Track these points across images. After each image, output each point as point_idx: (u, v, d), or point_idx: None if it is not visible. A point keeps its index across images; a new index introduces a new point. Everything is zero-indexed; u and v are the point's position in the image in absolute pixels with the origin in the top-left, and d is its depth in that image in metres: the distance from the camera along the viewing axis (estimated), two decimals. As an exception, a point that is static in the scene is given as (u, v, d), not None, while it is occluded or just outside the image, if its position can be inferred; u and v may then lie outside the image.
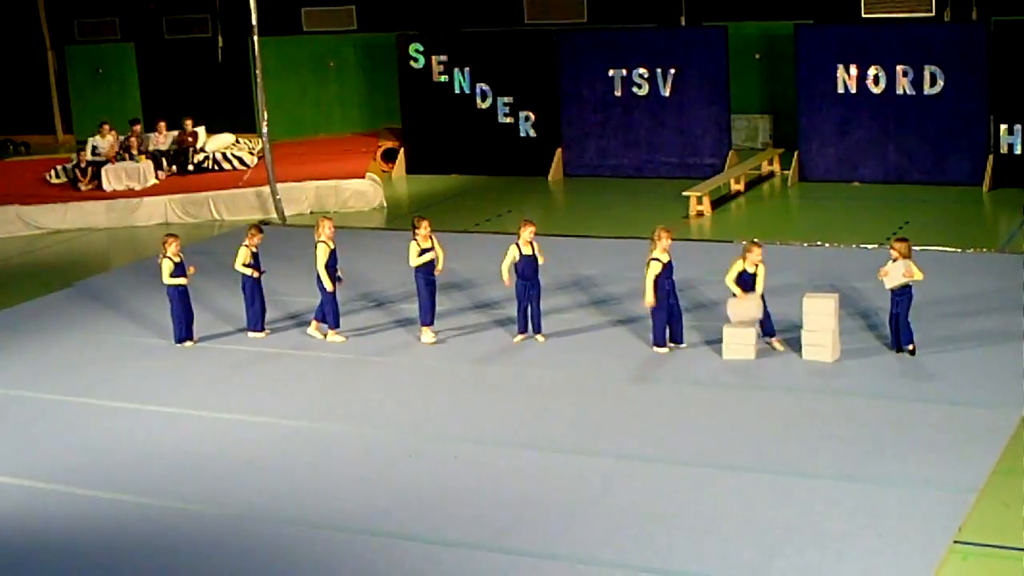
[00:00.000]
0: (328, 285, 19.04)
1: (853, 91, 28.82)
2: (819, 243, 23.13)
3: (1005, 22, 28.11)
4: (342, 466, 14.91)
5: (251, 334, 19.62)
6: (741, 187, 28.91)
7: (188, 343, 19.47)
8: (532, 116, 31.76)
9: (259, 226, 19.97)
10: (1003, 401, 15.66)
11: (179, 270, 19.25)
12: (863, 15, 30.76)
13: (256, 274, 19.38)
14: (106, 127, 31.23)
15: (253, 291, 19.48)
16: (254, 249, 19.38)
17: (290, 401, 17.05)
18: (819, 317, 17.44)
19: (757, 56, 32.62)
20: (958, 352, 17.54)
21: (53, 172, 30.69)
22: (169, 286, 19.27)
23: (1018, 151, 27.53)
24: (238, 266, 19.34)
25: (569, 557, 12.45)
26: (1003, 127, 27.65)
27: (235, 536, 13.36)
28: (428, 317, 19.03)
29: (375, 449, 15.38)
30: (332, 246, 19.11)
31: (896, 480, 13.69)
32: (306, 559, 12.76)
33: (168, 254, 19.21)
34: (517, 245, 18.71)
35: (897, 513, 12.96)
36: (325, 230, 19.10)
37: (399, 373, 18.00)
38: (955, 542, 12.33)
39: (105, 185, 29.52)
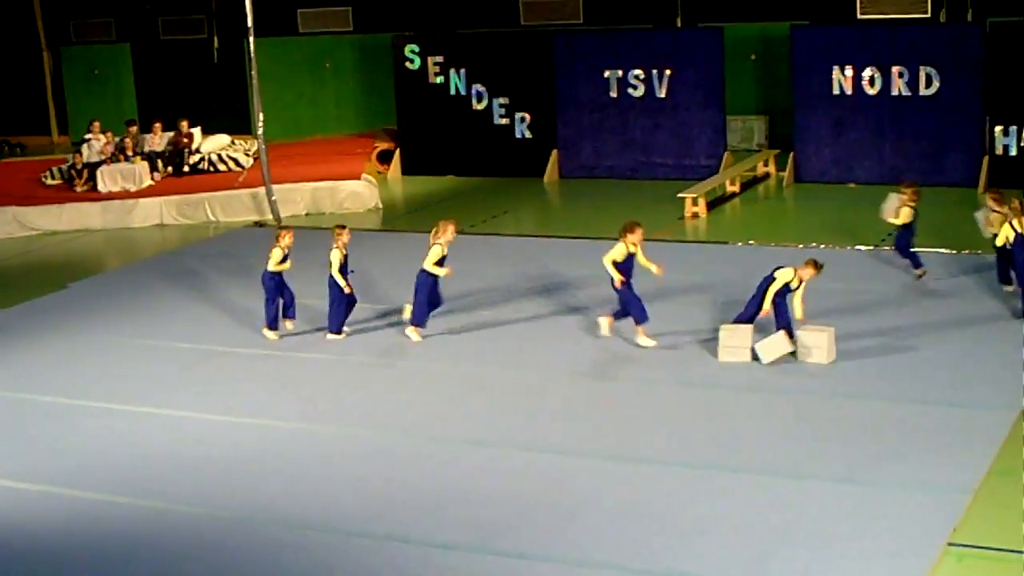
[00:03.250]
0: (443, 272, 18.87)
1: (849, 92, 28.85)
2: (815, 245, 23.12)
3: (1001, 23, 28.14)
4: (336, 468, 14.90)
5: (330, 336, 19.47)
6: (737, 188, 28.93)
7: (273, 334, 19.51)
8: (528, 117, 31.77)
9: (343, 225, 19.77)
10: (999, 402, 15.68)
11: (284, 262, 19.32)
12: (859, 16, 30.78)
13: (346, 287, 19.18)
14: (96, 126, 31.14)
15: (335, 291, 19.26)
16: (345, 252, 19.24)
17: (284, 403, 17.03)
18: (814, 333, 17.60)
19: (753, 57, 32.62)
20: (954, 353, 17.57)
21: (49, 173, 30.66)
22: (270, 273, 19.31)
23: (1013, 152, 27.60)
24: (335, 272, 19.08)
25: (564, 559, 12.45)
26: (999, 128, 27.72)
27: (230, 538, 13.34)
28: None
29: (370, 451, 15.36)
30: (445, 252, 18.91)
31: (892, 481, 13.70)
32: (301, 561, 12.75)
33: (281, 244, 19.24)
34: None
35: (893, 514, 12.96)
36: (448, 235, 18.94)
37: (393, 375, 18.00)
38: (950, 544, 12.33)
39: (100, 186, 29.47)
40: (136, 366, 18.82)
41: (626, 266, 18.15)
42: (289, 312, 19.65)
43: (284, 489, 14.39)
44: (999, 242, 19.50)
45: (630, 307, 18.29)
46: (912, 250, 20.98)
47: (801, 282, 17.66)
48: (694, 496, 13.70)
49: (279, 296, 19.48)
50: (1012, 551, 12.20)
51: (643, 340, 18.32)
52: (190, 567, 12.80)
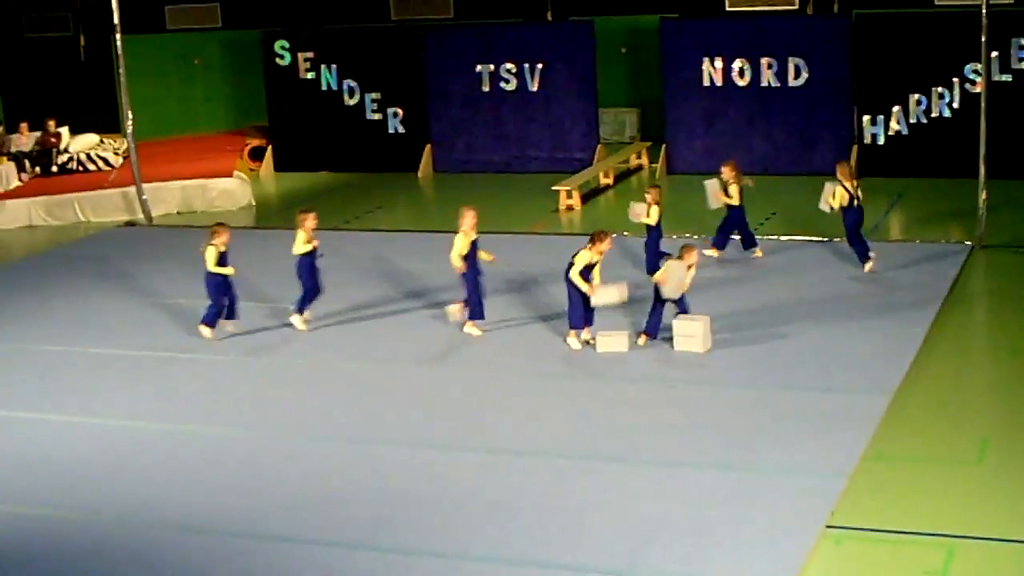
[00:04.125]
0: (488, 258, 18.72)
1: (719, 84, 29.15)
2: (687, 235, 23.28)
3: (866, 15, 28.57)
4: (216, 469, 14.72)
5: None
6: (610, 181, 29.10)
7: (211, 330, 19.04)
8: (400, 112, 31.69)
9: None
10: (871, 386, 15.89)
11: (223, 259, 18.80)
12: (728, 8, 31.10)
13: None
14: None
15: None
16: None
17: (159, 405, 16.79)
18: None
19: (623, 50, 32.80)
20: (825, 339, 17.79)
21: (-89, 176, 30.02)
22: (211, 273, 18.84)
23: (881, 141, 28.09)
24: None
25: (444, 553, 12.41)
26: (866, 118, 28.24)
27: (111, 542, 13.11)
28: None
29: (248, 451, 15.20)
30: (474, 236, 18.48)
31: (769, 467, 13.83)
32: (183, 564, 12.57)
33: (215, 242, 18.72)
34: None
35: (771, 500, 13.08)
36: (469, 220, 18.43)
37: (274, 373, 17.83)
38: (828, 527, 12.48)
39: (-35, 188, 28.95)
40: (5, 370, 18.45)
41: (585, 274, 17.79)
42: (233, 313, 19.30)
43: (163, 492, 14.18)
44: (837, 205, 20.62)
45: (571, 311, 18.09)
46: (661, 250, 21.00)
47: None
48: (573, 487, 13.72)
49: (224, 295, 19.08)
50: (888, 531, 12.40)
51: (572, 341, 18.18)
52: (71, 571, 12.57)
